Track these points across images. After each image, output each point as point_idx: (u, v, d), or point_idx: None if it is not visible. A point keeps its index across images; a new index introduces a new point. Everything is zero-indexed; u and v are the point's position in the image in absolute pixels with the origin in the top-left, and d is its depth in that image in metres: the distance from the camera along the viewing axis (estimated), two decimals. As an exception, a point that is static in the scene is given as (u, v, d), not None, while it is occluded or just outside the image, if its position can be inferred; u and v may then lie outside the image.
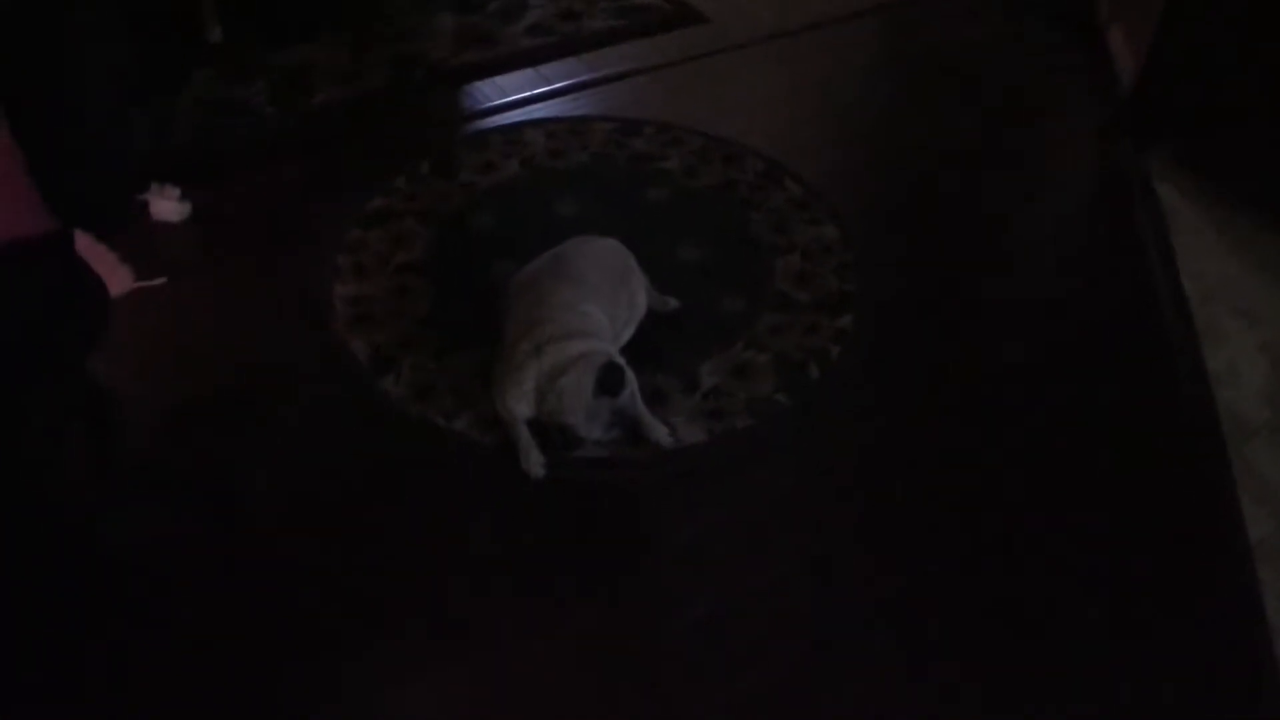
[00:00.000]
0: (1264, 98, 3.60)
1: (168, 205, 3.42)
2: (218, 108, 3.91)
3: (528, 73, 4.23)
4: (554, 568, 2.45)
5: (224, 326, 3.06)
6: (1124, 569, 2.50)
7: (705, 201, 3.56)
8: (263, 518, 2.56)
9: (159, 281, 3.17)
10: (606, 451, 2.67)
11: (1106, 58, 4.35)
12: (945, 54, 4.52)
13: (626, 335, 2.90)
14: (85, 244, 3.21)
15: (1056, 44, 4.57)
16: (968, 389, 2.95)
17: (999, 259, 3.49)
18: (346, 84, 4.07)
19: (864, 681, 2.24)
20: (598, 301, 2.76)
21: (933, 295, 3.28)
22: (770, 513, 2.59)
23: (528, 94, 4.11)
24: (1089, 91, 4.28)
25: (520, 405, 2.65)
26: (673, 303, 3.09)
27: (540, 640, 2.30)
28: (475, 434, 2.72)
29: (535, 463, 2.61)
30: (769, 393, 2.86)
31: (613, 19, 4.57)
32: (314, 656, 2.27)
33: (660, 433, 2.69)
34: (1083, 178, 4.01)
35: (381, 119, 3.95)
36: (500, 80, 4.18)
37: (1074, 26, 4.62)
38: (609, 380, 2.54)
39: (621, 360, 2.64)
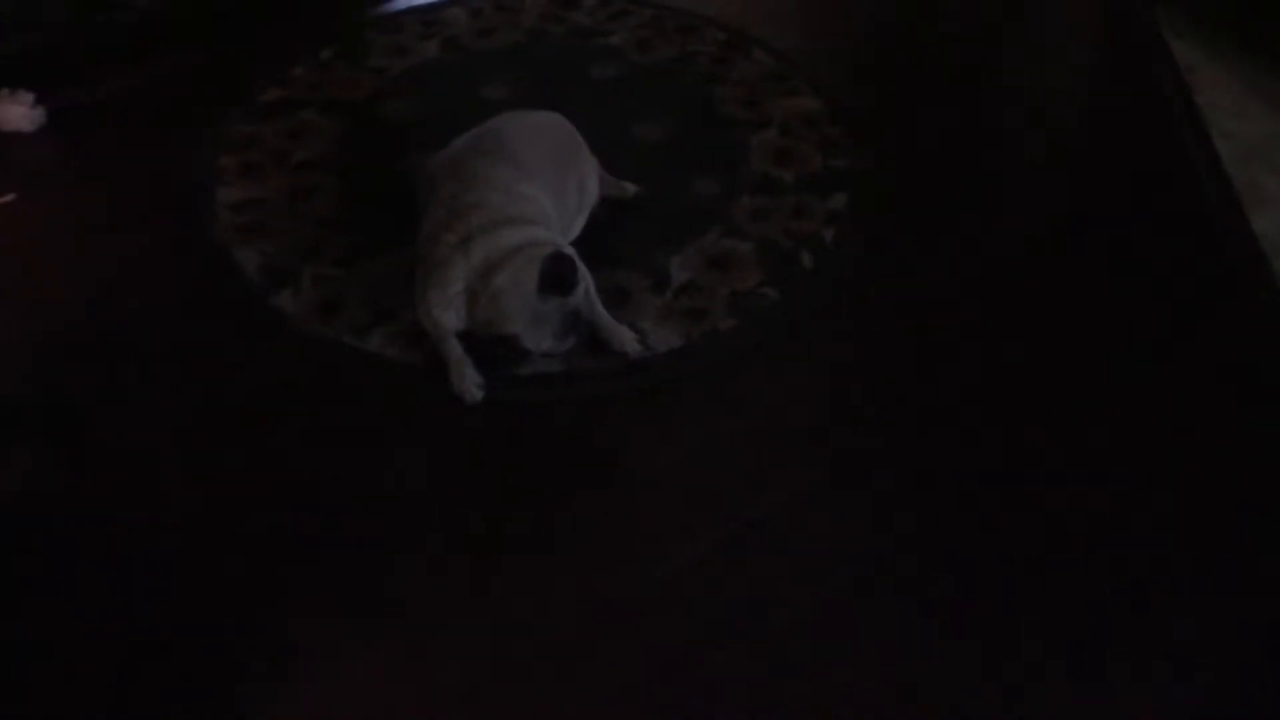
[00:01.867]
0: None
1: (18, 111, 2.84)
2: (86, 3, 3.28)
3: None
4: (499, 511, 1.94)
5: (84, 246, 2.50)
6: (1173, 453, 2.05)
7: (661, 76, 3.03)
8: (138, 461, 2.02)
9: (8, 198, 2.64)
10: (560, 365, 2.16)
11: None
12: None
13: (578, 227, 2.38)
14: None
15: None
16: (984, 268, 2.47)
17: (1006, 127, 3.00)
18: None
19: (877, 636, 1.76)
20: (539, 183, 2.23)
21: (937, 168, 2.78)
22: (763, 431, 2.09)
23: (447, -28, 3.52)
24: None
25: (447, 314, 2.12)
26: (631, 188, 2.56)
27: (485, 603, 1.79)
28: (394, 352, 2.19)
29: (470, 382, 2.09)
30: (755, 285, 2.36)
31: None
32: (208, 625, 1.76)
33: (625, 338, 2.18)
34: (1089, 38, 3.52)
35: (277, 5, 3.35)
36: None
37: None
38: (557, 273, 2.02)
39: (572, 251, 2.12)
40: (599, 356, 2.17)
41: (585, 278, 2.12)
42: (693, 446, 2.06)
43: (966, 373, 2.22)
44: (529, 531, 1.90)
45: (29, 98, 2.87)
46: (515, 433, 2.07)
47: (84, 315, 2.33)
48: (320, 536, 1.89)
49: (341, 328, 2.23)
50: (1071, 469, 2.02)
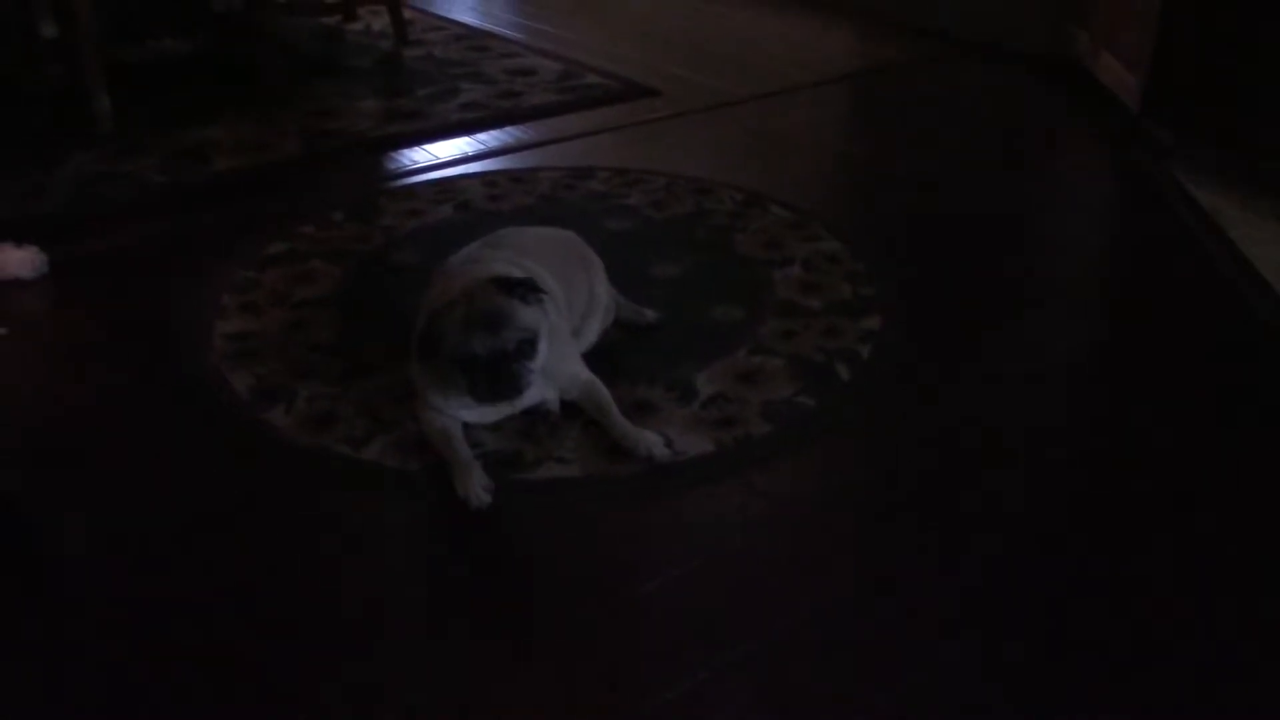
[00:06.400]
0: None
1: (19, 257, 2.75)
2: (100, 179, 3.30)
3: (461, 141, 3.70)
4: (502, 624, 1.65)
5: (69, 372, 2.35)
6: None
7: (678, 226, 2.96)
8: (80, 576, 1.75)
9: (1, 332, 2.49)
10: (578, 470, 1.93)
11: (1095, 85, 4.00)
12: (924, 105, 4.11)
13: (590, 335, 2.22)
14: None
15: (1035, 85, 4.24)
16: (1028, 380, 2.29)
17: (1036, 264, 2.90)
18: (253, 153, 3.50)
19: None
20: (545, 267, 2.09)
21: (970, 293, 2.65)
22: (801, 539, 1.83)
23: (463, 154, 3.56)
24: (1088, 118, 3.90)
25: (448, 401, 1.91)
26: (650, 314, 2.42)
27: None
28: (393, 461, 1.97)
29: (477, 485, 1.85)
30: (789, 396, 2.16)
31: (555, 95, 4.11)
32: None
33: (651, 441, 1.96)
34: (1106, 190, 3.51)
35: (291, 181, 3.35)
36: (431, 146, 3.63)
37: (1047, 67, 4.29)
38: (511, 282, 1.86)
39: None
40: (618, 461, 1.94)
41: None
42: (719, 554, 1.78)
43: (1015, 486, 1.98)
44: (529, 650, 1.61)
45: (33, 249, 2.79)
46: (523, 540, 1.82)
47: (57, 429, 2.14)
48: (300, 653, 1.60)
49: (335, 439, 2.02)
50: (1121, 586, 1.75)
